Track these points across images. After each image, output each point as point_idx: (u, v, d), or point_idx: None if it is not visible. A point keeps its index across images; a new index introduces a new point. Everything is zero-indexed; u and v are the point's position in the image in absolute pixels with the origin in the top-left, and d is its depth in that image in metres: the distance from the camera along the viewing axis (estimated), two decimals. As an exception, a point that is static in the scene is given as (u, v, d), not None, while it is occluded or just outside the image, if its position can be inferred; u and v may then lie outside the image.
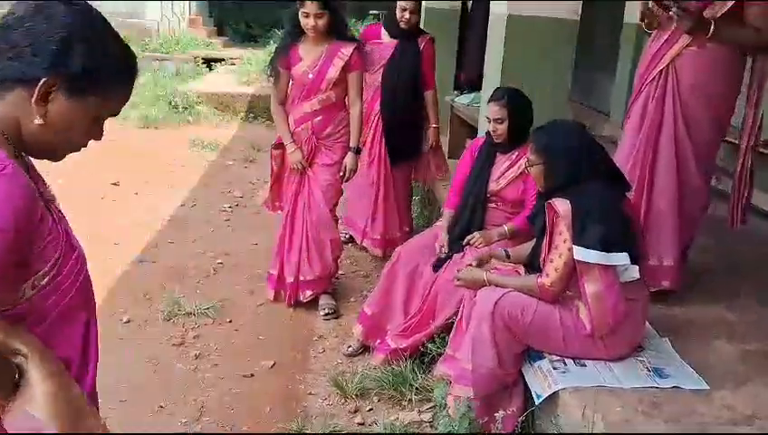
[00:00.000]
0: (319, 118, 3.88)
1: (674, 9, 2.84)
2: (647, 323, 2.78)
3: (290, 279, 3.99)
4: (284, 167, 4.05)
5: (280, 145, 4.01)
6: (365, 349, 3.55)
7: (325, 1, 3.66)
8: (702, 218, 3.26)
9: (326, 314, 3.95)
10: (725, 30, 2.86)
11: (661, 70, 3.02)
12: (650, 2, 3.00)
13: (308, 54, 3.83)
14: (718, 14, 2.86)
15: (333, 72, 3.80)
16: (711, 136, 3.07)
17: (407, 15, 4.51)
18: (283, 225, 4.05)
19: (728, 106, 3.06)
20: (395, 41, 4.61)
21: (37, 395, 1.21)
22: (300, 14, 3.72)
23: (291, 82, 3.92)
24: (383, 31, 4.68)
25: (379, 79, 4.64)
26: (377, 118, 4.70)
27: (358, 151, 4.02)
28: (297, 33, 3.81)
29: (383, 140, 4.69)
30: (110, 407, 3.02)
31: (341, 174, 3.96)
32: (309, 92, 3.85)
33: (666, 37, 3.02)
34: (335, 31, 3.80)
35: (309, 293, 4.00)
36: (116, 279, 4.23)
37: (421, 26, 4.88)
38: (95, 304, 1.44)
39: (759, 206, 5.05)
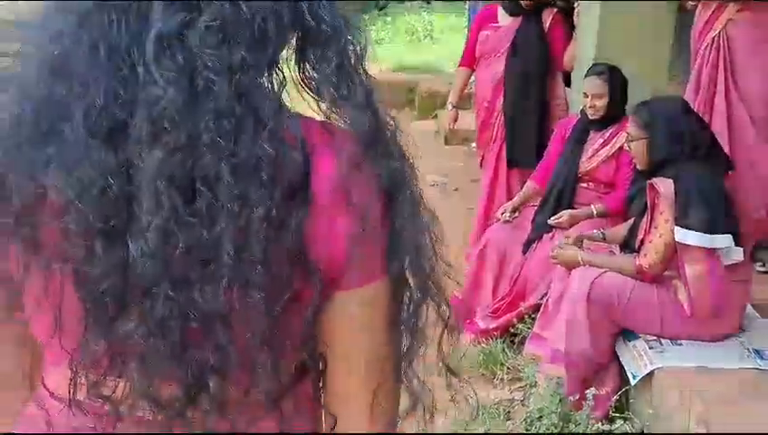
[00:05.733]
0: None
1: None
2: (748, 304, 2.71)
3: None
4: None
5: None
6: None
7: None
8: None
9: None
10: None
11: (714, 36, 3.04)
12: None
13: None
14: None
15: None
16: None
17: None
18: None
19: None
20: (515, 21, 3.90)
21: None
22: None
23: None
24: (500, 11, 3.99)
25: (501, 70, 3.92)
26: (499, 117, 4.00)
27: None
28: None
29: (503, 144, 4.01)
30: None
31: None
32: None
33: (716, 4, 3.03)
34: None
35: None
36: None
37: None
38: None
39: None
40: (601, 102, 3.21)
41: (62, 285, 0.70)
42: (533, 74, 3.89)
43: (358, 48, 0.74)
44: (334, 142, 0.73)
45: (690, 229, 2.38)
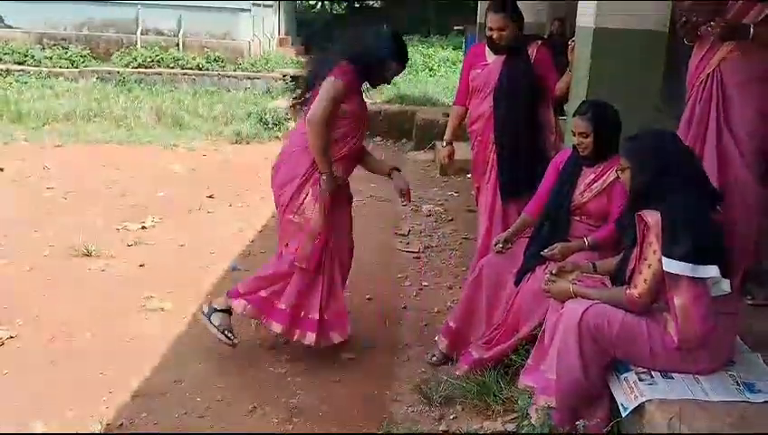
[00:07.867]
0: None
1: (712, 25, 3.02)
2: (737, 337, 2.73)
3: None
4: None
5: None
6: (448, 358, 3.61)
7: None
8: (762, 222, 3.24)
9: None
10: (765, 32, 3.00)
11: (708, 74, 3.17)
12: (685, 18, 3.19)
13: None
14: (759, 19, 3.00)
15: None
16: (758, 133, 3.15)
17: (495, 35, 4.00)
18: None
19: None
20: (501, 58, 4.06)
21: None
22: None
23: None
24: (487, 49, 4.14)
25: (490, 106, 4.08)
26: (492, 151, 4.14)
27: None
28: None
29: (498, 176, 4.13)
30: (208, 406, 3.20)
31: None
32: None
33: (710, 43, 3.16)
34: None
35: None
36: (212, 285, 4.42)
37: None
38: None
39: None
40: (588, 141, 3.25)
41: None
42: (522, 108, 4.03)
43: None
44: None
45: (676, 259, 2.41)
